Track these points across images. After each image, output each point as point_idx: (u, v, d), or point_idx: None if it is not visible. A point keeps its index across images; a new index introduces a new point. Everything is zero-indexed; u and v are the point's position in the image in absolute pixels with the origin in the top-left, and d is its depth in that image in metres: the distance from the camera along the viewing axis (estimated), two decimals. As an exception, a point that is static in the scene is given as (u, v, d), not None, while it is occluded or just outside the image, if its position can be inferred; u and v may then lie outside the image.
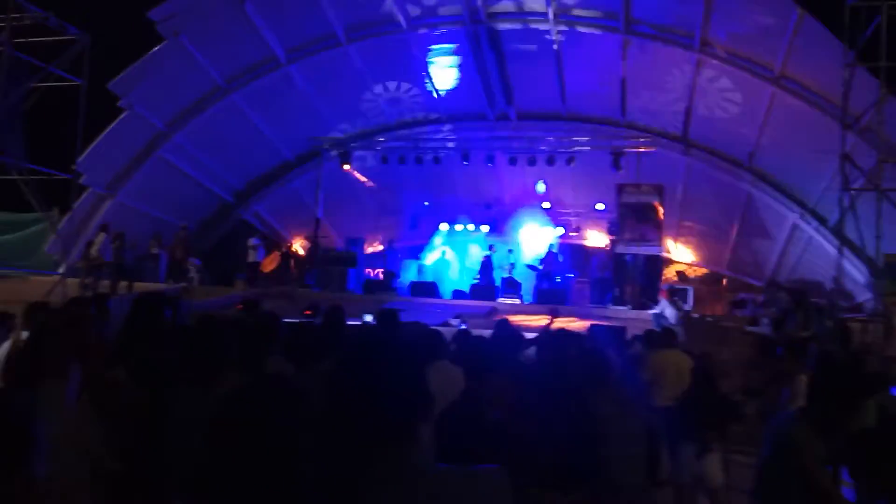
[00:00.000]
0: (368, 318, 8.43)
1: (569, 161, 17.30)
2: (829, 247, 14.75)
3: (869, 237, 11.26)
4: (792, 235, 16.61)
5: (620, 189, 16.64)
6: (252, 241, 17.77)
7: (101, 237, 14.30)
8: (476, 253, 18.70)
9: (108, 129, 16.06)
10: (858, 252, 12.92)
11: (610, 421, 3.54)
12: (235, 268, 17.53)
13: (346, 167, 18.45)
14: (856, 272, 13.91)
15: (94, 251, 14.13)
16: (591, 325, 11.32)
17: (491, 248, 18.18)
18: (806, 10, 12.67)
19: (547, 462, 1.55)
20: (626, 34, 14.95)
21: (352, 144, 18.70)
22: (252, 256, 17.62)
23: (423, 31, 16.33)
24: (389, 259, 19.27)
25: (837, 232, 13.28)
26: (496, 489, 1.52)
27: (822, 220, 15.48)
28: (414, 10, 15.95)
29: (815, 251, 15.91)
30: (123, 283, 14.18)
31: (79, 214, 16.00)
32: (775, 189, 16.19)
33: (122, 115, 16.04)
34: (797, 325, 12.63)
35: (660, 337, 7.88)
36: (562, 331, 6.40)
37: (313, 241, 18.61)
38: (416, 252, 19.48)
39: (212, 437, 1.57)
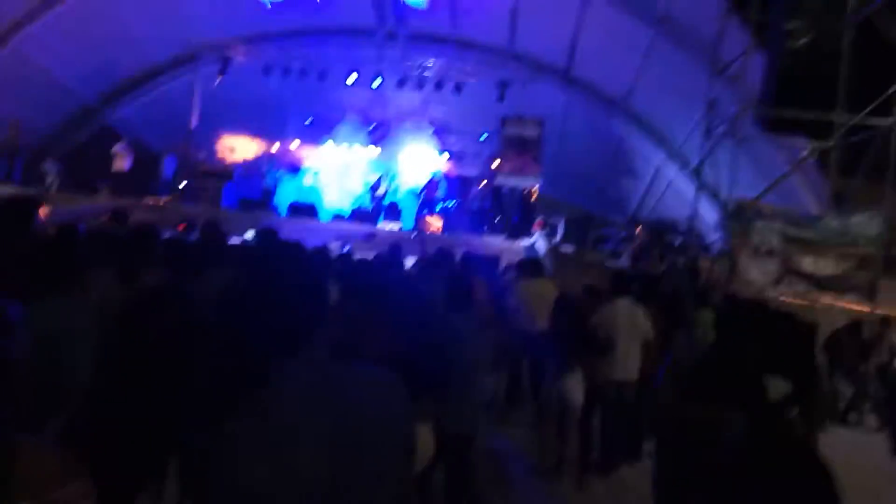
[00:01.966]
0: (250, 235, 8.27)
1: (457, 88, 17.31)
2: (687, 189, 15.84)
3: (724, 182, 12.21)
4: (656, 176, 17.67)
5: (503, 122, 16.93)
6: (118, 148, 16.66)
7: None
8: (357, 175, 18.53)
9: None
10: (713, 195, 14.02)
11: (466, 335, 3.88)
12: (97, 175, 16.40)
13: (222, 75, 17.49)
14: (709, 214, 15.11)
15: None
16: (465, 252, 11.70)
17: (379, 179, 17.98)
18: (689, -42, 13.17)
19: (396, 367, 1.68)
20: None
21: (231, 49, 17.67)
22: (119, 164, 16.56)
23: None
24: (268, 177, 18.70)
25: (696, 175, 14.29)
26: (394, 389, 1.60)
27: (684, 164, 16.53)
28: None
29: (674, 193, 17.04)
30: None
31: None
32: (644, 131, 17.04)
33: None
34: (652, 260, 13.67)
35: (529, 266, 8.31)
36: (441, 252, 6.63)
37: (185, 151, 17.67)
38: (296, 171, 19.02)
39: (110, 346, 1.58)
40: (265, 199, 17.18)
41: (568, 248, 15.89)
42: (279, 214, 16.61)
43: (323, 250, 4.38)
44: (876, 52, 12.43)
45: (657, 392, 3.92)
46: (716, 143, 12.64)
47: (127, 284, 3.17)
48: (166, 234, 5.65)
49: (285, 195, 18.06)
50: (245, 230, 9.98)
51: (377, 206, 17.53)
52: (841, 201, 13.20)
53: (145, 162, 17.30)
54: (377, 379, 1.61)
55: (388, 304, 2.17)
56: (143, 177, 16.91)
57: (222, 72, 17.39)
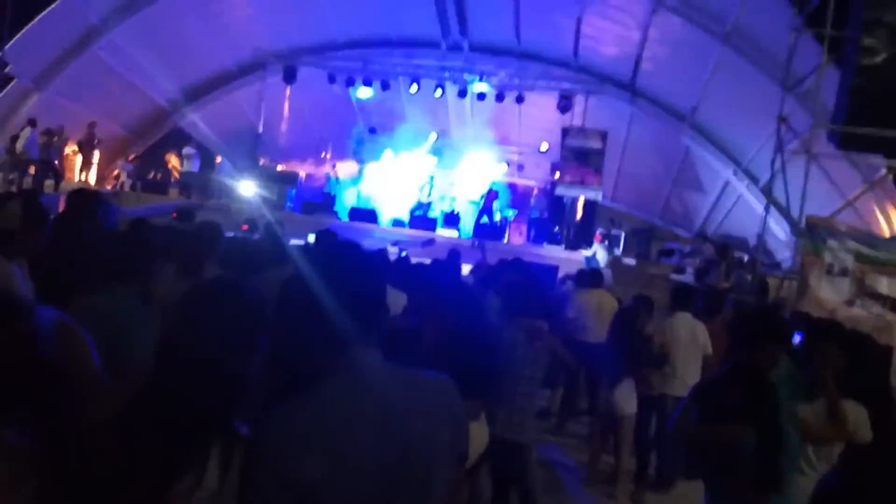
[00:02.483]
0: (311, 237, 8.41)
1: (518, 99, 17.26)
2: (756, 205, 15.34)
3: (795, 199, 11.77)
4: (724, 191, 17.19)
5: (565, 132, 16.78)
6: (187, 150, 17.21)
7: (28, 131, 13.58)
8: (416, 183, 18.64)
9: (37, 18, 15.03)
10: (784, 212, 13.52)
11: (519, 343, 3.85)
12: (167, 175, 16.99)
13: (290, 83, 17.88)
14: (779, 231, 14.59)
15: (19, 146, 13.43)
16: (515, 258, 11.61)
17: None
18: (760, -30, 12.81)
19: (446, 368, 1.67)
20: (584, -26, 14.80)
21: (298, 59, 18.08)
22: (187, 165, 17.11)
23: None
24: (330, 182, 19.02)
25: (766, 191, 13.82)
26: (450, 393, 1.61)
27: (753, 179, 16.04)
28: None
29: (743, 208, 16.53)
30: (50, 182, 13.59)
31: (1, 108, 15.10)
32: (713, 145, 16.62)
33: (54, 4, 15.02)
34: (719, 276, 13.27)
35: (587, 277, 8.19)
36: (504, 263, 6.58)
37: (252, 156, 18.13)
38: (357, 178, 19.28)
39: (169, 336, 1.59)
40: (327, 204, 17.45)
41: (630, 261, 15.60)
42: (340, 219, 16.85)
43: (381, 252, 4.38)
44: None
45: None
46: (787, 159, 12.21)
47: (189, 279, 3.23)
48: (229, 234, 5.78)
49: (346, 200, 18.34)
50: (307, 233, 10.14)
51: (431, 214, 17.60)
52: (920, 222, 12.59)
53: (212, 164, 17.83)
54: (431, 380, 1.62)
55: (441, 306, 2.16)
56: (209, 179, 17.44)
57: (288, 80, 17.78)
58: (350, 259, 1.61)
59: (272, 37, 17.81)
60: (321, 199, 17.73)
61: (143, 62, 17.09)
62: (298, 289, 1.51)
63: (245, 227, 7.94)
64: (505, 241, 16.95)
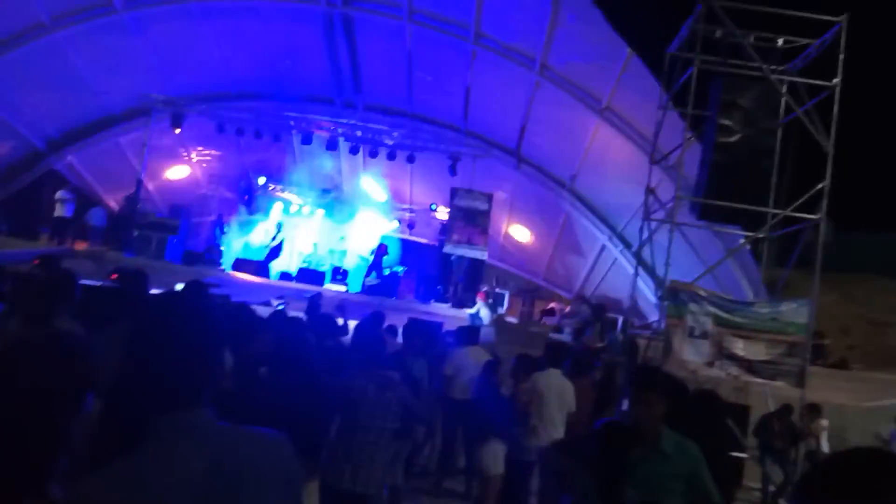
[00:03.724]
0: (179, 286, 8.14)
1: (409, 159, 17.66)
2: (630, 269, 16.27)
3: (661, 264, 12.59)
4: (600, 255, 18.11)
5: (454, 193, 17.29)
6: (62, 194, 16.37)
7: None
8: (307, 237, 18.54)
9: None
10: (653, 276, 14.41)
11: (367, 396, 3.88)
12: (39, 220, 16.05)
13: (178, 130, 17.49)
14: (650, 294, 15.48)
15: None
16: (410, 319, 11.72)
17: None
18: (634, 51, 13.91)
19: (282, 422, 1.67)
20: (474, 45, 15.53)
21: (187, 107, 17.76)
22: (60, 210, 16.24)
23: (276, 1, 15.93)
24: (216, 231, 18.55)
25: (637, 256, 14.70)
26: (283, 452, 1.56)
27: (627, 245, 17.01)
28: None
29: (618, 271, 17.45)
30: None
31: None
32: (590, 211, 17.56)
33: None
34: (594, 336, 13.88)
35: (464, 334, 8.37)
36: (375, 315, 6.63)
37: (132, 202, 17.42)
38: (246, 228, 18.94)
39: None
40: (211, 254, 16.98)
41: (513, 319, 16.06)
42: (223, 270, 16.41)
43: (240, 306, 4.35)
44: (805, 151, 13.23)
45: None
46: (655, 227, 13.07)
47: (34, 329, 3.11)
48: (96, 282, 5.55)
49: (233, 251, 17.92)
50: (184, 283, 9.82)
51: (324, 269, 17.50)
52: (772, 289, 13.73)
53: (88, 210, 17.03)
54: (264, 438, 1.57)
55: (281, 363, 2.18)
56: (83, 224, 16.62)
57: (175, 126, 17.38)
58: (181, 314, 1.57)
59: (162, 82, 17.42)
60: (204, 249, 17.23)
61: (20, 101, 16.27)
62: (134, 344, 1.51)
63: (114, 276, 7.58)
64: (395, 297, 17.04)
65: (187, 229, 17.87)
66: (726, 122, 12.95)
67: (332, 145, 17.80)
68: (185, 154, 18.60)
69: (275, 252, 17.95)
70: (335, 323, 6.47)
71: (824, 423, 9.72)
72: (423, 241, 19.95)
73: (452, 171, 17.23)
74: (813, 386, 11.47)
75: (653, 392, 3.26)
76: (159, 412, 1.45)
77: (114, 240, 16.53)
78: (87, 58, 16.18)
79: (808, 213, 12.59)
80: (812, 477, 1.30)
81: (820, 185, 12.40)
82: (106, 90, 17.27)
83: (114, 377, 1.58)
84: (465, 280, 17.10)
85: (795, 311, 12.32)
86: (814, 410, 10.86)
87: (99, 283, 5.81)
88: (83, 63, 16.25)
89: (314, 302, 7.10)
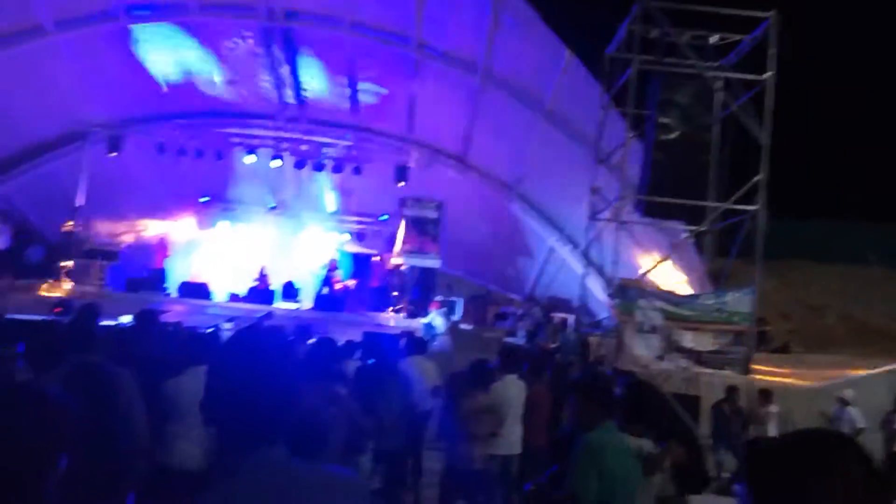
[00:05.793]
0: (126, 318, 7.94)
1: (356, 171, 17.59)
2: (579, 268, 16.54)
3: (609, 262, 12.86)
4: (549, 256, 18.36)
5: (402, 202, 17.30)
6: (-5, 226, 15.78)
7: None
8: (256, 256, 18.23)
9: None
10: (601, 274, 14.69)
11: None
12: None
13: (114, 154, 17.01)
14: (599, 292, 15.77)
15: None
16: (365, 332, 11.66)
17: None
18: (574, 53, 14.15)
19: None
20: (416, 54, 15.59)
21: (124, 129, 17.30)
22: (-6, 242, 15.65)
23: (213, 18, 15.68)
24: (160, 256, 18.08)
25: (585, 256, 14.97)
26: (359, 494, 1.61)
27: (574, 245, 17.30)
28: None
29: (567, 272, 17.71)
30: None
31: None
32: (538, 213, 17.79)
33: None
34: (547, 337, 14.07)
35: (412, 345, 8.44)
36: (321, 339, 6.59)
37: (69, 231, 16.85)
38: (191, 250, 18.51)
39: None
40: (154, 279, 16.58)
41: (467, 326, 16.13)
42: (168, 295, 16.04)
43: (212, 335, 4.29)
44: (741, 144, 13.68)
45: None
46: (601, 226, 13.35)
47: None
48: (39, 317, 5.39)
49: (177, 275, 17.50)
50: (131, 312, 9.58)
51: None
52: (716, 280, 14.14)
53: (25, 241, 16.42)
54: (340, 479, 1.60)
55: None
56: (21, 257, 16.02)
57: (113, 150, 16.91)
58: (266, 352, 1.61)
59: (97, 106, 16.94)
60: (147, 275, 16.79)
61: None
62: (219, 380, 1.50)
63: (58, 309, 7.37)
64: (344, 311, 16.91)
65: (129, 255, 17.36)
66: (665, 121, 13.35)
67: (277, 160, 17.60)
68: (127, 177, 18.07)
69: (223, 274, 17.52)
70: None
71: (773, 409, 10.03)
72: (374, 252, 19.87)
73: (399, 180, 17.24)
74: (759, 373, 11.87)
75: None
76: (248, 448, 1.48)
77: (52, 272, 15.94)
78: (16, 83, 15.61)
79: (747, 204, 13.03)
80: (760, 458, 1.35)
81: (756, 178, 12.86)
82: (40, 116, 16.65)
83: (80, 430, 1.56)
84: (418, 289, 17.11)
85: (739, 300, 12.74)
86: (765, 396, 11.20)
87: (41, 318, 5.64)
88: (11, 89, 15.64)
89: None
